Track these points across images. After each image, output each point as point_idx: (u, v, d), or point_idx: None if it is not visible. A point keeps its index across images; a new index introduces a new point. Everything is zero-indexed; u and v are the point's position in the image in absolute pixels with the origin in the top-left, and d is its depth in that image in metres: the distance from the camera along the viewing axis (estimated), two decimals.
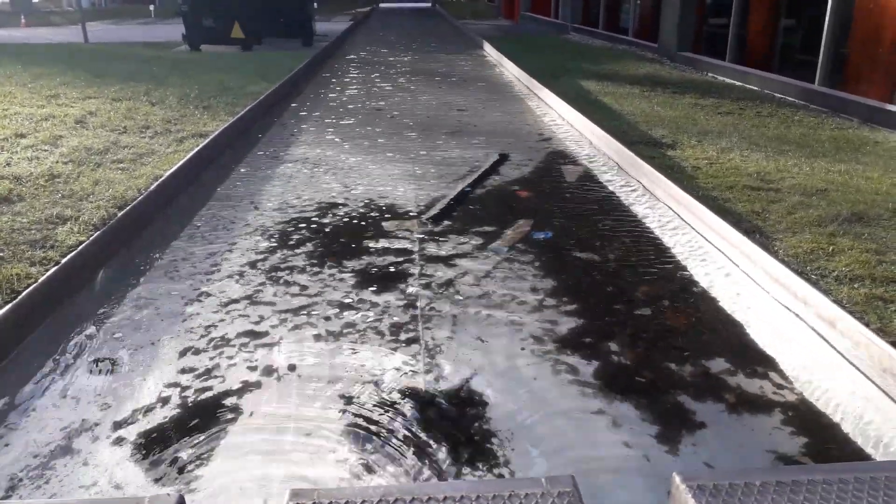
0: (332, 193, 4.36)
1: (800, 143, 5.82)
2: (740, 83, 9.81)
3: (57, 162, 4.48)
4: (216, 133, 5.32)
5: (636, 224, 3.84)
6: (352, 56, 12.57)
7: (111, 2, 29.94)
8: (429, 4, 35.71)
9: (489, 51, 12.42)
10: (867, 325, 2.29)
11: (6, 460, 1.94)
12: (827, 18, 7.75)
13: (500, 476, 1.86)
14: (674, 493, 1.59)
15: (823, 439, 2.02)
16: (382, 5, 35.34)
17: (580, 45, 14.45)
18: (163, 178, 4.08)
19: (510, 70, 10.19)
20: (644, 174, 4.42)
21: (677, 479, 1.59)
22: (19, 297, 2.52)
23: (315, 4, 14.69)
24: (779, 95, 8.78)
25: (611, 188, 4.51)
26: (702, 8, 11.40)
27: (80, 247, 3.02)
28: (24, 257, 2.89)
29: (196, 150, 4.79)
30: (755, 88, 9.40)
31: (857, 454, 1.95)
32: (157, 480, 1.87)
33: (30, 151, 4.73)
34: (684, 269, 3.22)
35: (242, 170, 4.93)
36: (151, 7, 23.07)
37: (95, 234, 3.16)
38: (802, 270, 2.77)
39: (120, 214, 3.42)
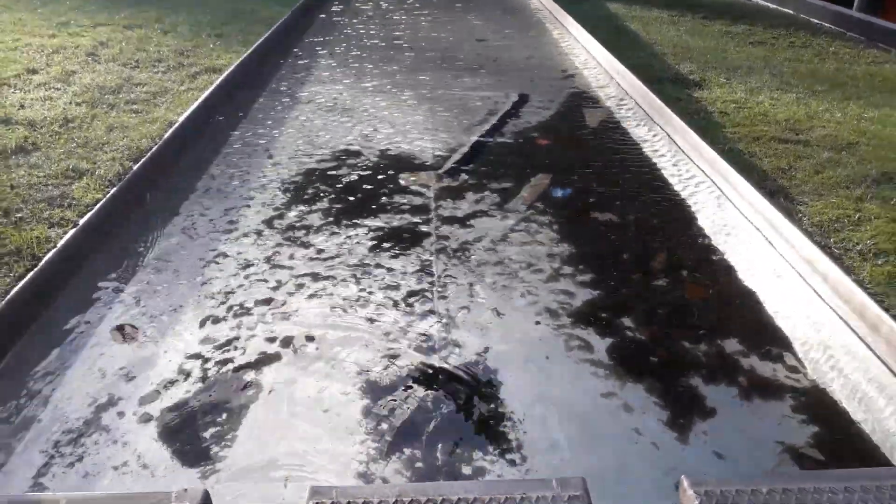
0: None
1: (833, 81, 5.59)
2: (775, 6, 9.33)
3: (70, 103, 4.42)
4: (226, 73, 5.20)
5: (659, 179, 3.76)
6: None
7: None
8: None
9: None
10: (887, 309, 2.26)
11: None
12: None
13: None
14: (682, 497, 1.62)
15: None
16: None
17: None
18: (176, 125, 4.02)
19: None
20: (669, 122, 4.29)
21: (685, 482, 1.62)
22: (36, 266, 2.55)
23: None
24: (815, 21, 8.36)
25: (635, 137, 4.39)
26: None
27: (97, 204, 3.03)
28: (43, 217, 2.91)
29: (208, 90, 4.70)
30: (790, 12, 8.95)
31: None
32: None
33: (42, 90, 4.66)
34: (705, 234, 3.17)
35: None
36: None
37: (112, 191, 3.15)
38: (826, 244, 2.72)
39: (134, 168, 3.40)
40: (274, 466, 1.92)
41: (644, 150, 4.16)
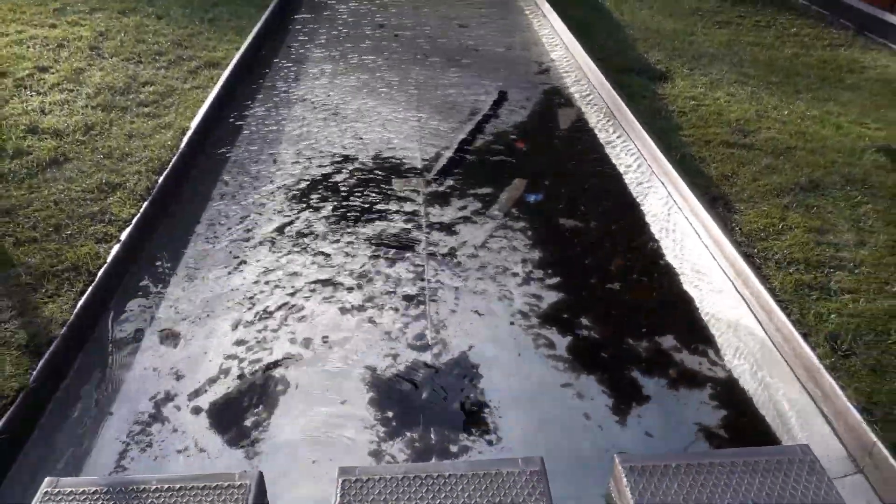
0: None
1: (788, 70, 6.06)
2: None
3: (86, 107, 4.81)
4: (226, 74, 5.57)
5: (619, 185, 4.28)
6: None
7: None
8: None
9: None
10: (789, 314, 2.84)
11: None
12: None
13: None
14: (614, 471, 2.20)
15: None
16: None
17: None
18: (189, 134, 4.45)
19: None
20: (631, 127, 4.77)
21: (617, 459, 2.20)
22: (94, 281, 3.05)
23: None
24: None
25: (601, 139, 4.88)
26: None
27: (133, 219, 3.50)
28: (89, 234, 3.38)
29: (212, 94, 5.10)
30: None
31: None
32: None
33: (57, 93, 5.03)
34: (655, 240, 3.72)
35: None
36: None
37: (143, 206, 3.62)
38: (749, 252, 3.28)
39: (159, 182, 3.86)
40: (306, 446, 2.49)
41: (608, 153, 4.67)
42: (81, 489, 2.11)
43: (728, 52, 6.55)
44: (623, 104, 5.01)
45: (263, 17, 7.00)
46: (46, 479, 2.13)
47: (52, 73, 5.39)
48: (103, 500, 2.07)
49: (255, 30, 6.65)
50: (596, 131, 5.00)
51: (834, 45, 6.96)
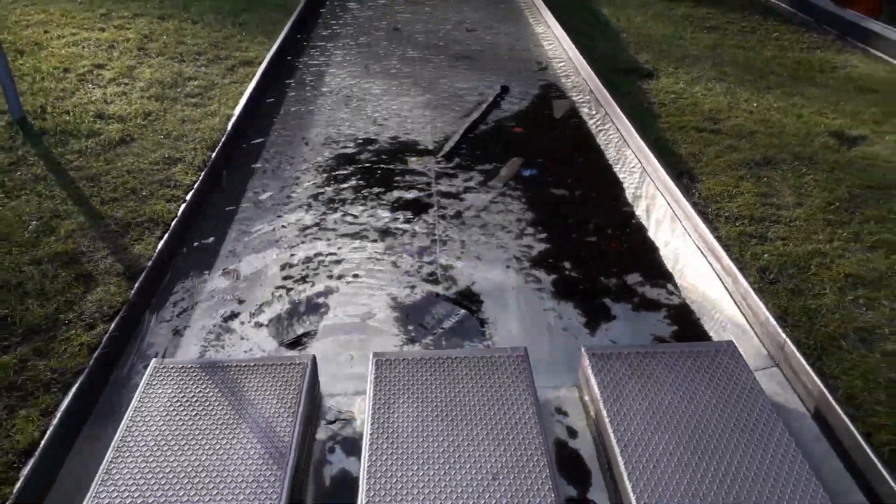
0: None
1: (764, 69, 6.74)
2: None
3: (142, 97, 5.56)
4: (260, 70, 6.32)
5: (602, 162, 4.99)
6: None
7: None
8: None
9: None
10: (730, 254, 3.53)
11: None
12: None
13: None
14: (582, 361, 2.89)
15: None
16: None
17: None
18: (233, 119, 5.19)
19: None
20: (616, 115, 5.48)
21: (583, 350, 2.88)
22: (169, 229, 3.77)
23: None
24: (773, 1, 9.42)
25: (589, 126, 5.59)
26: None
27: (194, 186, 4.23)
28: (160, 195, 4.11)
29: (249, 87, 5.84)
30: None
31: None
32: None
33: (114, 86, 5.79)
34: (629, 204, 4.42)
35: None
36: None
37: (201, 175, 4.35)
38: (704, 210, 3.97)
39: (213, 156, 4.59)
40: (346, 344, 3.19)
41: (595, 137, 5.37)
42: (180, 366, 2.82)
43: (712, 54, 7.24)
44: (610, 97, 5.71)
45: (290, 22, 7.75)
46: (153, 360, 2.84)
47: (108, 70, 6.15)
48: (197, 373, 2.78)
49: (283, 33, 7.40)
50: (585, 118, 5.70)
51: (811, 47, 7.65)
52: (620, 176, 4.78)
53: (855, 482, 2.46)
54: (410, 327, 3.32)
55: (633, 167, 4.85)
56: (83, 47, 6.73)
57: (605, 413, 2.58)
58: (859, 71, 6.81)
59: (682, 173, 4.48)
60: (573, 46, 7.07)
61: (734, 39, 7.87)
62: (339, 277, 3.68)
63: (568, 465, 2.64)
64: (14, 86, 4.89)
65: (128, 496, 2.27)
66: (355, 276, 3.69)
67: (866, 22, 7.66)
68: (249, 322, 3.37)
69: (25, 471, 2.37)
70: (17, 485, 2.32)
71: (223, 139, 4.85)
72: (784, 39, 7.91)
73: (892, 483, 2.30)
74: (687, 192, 4.18)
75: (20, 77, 5.72)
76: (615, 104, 5.52)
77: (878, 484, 2.36)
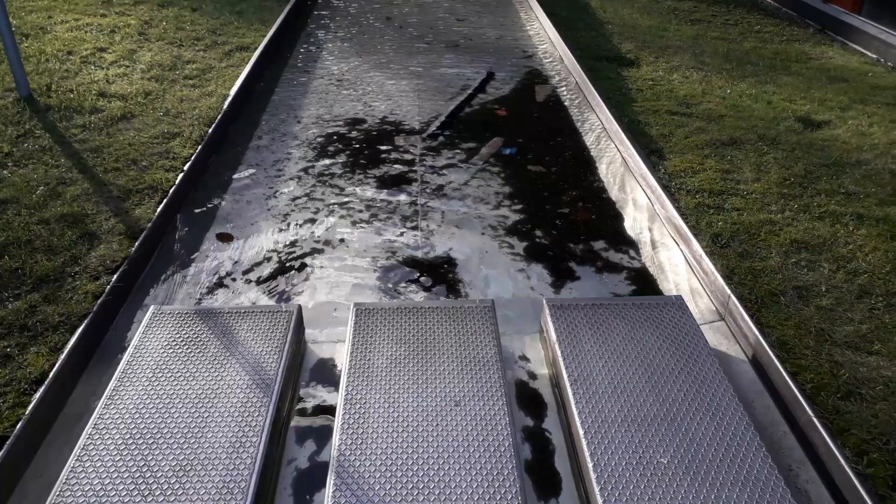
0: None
1: (742, 59, 7.02)
2: None
3: (142, 79, 5.82)
4: (255, 55, 6.58)
5: (578, 142, 5.26)
6: None
7: None
8: None
9: None
10: (687, 222, 3.81)
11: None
12: None
13: None
14: (543, 311, 3.17)
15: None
16: None
17: None
18: (229, 99, 5.45)
19: None
20: (593, 98, 5.76)
21: (545, 301, 3.16)
22: (167, 195, 4.05)
23: None
24: None
25: (569, 110, 5.87)
26: None
27: (192, 157, 4.50)
28: (159, 165, 4.38)
29: (245, 70, 6.10)
30: None
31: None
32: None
33: (116, 68, 6.05)
34: (600, 179, 4.70)
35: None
36: None
37: (198, 148, 4.62)
38: (667, 184, 4.25)
39: (209, 132, 4.86)
40: (330, 298, 3.47)
41: (573, 119, 5.65)
42: (177, 312, 3.09)
43: (693, 45, 7.51)
44: (589, 83, 5.99)
45: (285, 11, 8.01)
46: (152, 306, 3.12)
47: (110, 53, 6.41)
48: (193, 318, 3.06)
49: (278, 21, 7.66)
50: (565, 103, 5.98)
51: (791, 40, 7.93)
52: (594, 154, 5.06)
53: (781, 414, 2.75)
54: (390, 285, 3.60)
55: (607, 146, 5.13)
56: (86, 32, 6.98)
57: (559, 354, 2.86)
58: (834, 62, 7.09)
59: (651, 152, 4.76)
60: (558, 36, 7.35)
61: (717, 31, 8.14)
62: (326, 242, 3.95)
63: (527, 400, 2.92)
64: (21, 65, 5.16)
65: (129, 418, 2.54)
66: (340, 240, 3.97)
67: (846, 16, 7.93)
68: (242, 279, 3.64)
69: (37, 395, 2.64)
70: (30, 407, 2.59)
71: (219, 116, 5.12)
72: (765, 32, 8.20)
73: (810, 413, 2.59)
74: (654, 168, 4.46)
75: (26, 59, 5.97)
76: (594, 89, 5.80)
77: (800, 414, 2.65)
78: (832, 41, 7.80)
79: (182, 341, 2.92)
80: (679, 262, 3.74)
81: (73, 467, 2.35)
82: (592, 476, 2.33)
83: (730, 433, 2.49)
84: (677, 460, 2.40)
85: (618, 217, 4.25)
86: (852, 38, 7.70)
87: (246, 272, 3.69)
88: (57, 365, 2.78)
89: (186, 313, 3.08)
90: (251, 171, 4.71)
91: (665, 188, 4.18)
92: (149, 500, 2.25)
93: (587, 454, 2.41)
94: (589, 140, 5.29)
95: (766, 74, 6.56)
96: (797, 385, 2.71)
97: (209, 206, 4.27)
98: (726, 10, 9.07)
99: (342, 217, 4.19)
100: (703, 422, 2.54)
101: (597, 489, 2.29)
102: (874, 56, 7.27)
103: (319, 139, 5.21)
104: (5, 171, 4.20)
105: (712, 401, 2.64)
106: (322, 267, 3.74)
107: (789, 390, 2.72)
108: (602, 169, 4.84)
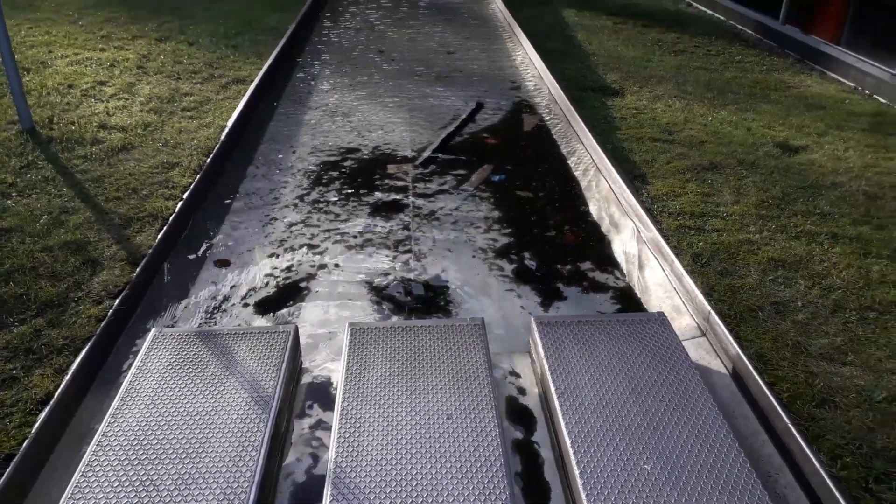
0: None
1: (723, 88, 7.25)
2: (710, 12, 10.96)
3: (142, 111, 5.99)
4: (251, 87, 6.77)
5: (565, 169, 5.44)
6: None
7: None
8: None
9: None
10: (669, 243, 3.96)
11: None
12: None
13: None
14: (532, 329, 3.29)
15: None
16: None
17: None
18: (227, 130, 5.62)
19: (499, 5, 11.33)
20: (579, 126, 5.95)
21: (533, 319, 3.29)
22: (167, 223, 4.17)
23: None
24: (740, 28, 10.02)
25: (555, 136, 6.06)
26: None
27: (191, 186, 4.64)
28: (159, 194, 4.51)
29: (242, 102, 6.28)
30: (722, 18, 10.59)
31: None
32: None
33: (116, 100, 6.22)
34: (586, 203, 4.87)
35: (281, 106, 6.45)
36: None
37: (197, 177, 4.76)
38: (650, 207, 4.41)
39: (208, 161, 5.01)
40: (325, 320, 3.58)
41: (559, 147, 5.84)
42: (178, 333, 3.20)
43: (676, 75, 7.76)
44: (575, 112, 6.19)
45: (280, 45, 8.24)
46: (153, 328, 3.23)
47: (110, 86, 6.59)
48: (193, 339, 3.16)
49: (273, 54, 7.88)
50: (552, 131, 6.18)
51: (770, 69, 8.20)
52: (580, 179, 5.23)
53: (760, 424, 2.87)
54: (384, 306, 3.72)
55: (592, 172, 5.30)
56: (86, 66, 7.17)
57: (547, 368, 2.98)
58: (812, 90, 7.33)
59: (635, 177, 4.93)
60: (545, 67, 7.58)
61: (699, 62, 8.41)
62: (321, 266, 4.08)
63: (517, 414, 3.03)
64: (24, 98, 5.32)
65: (132, 435, 2.64)
66: (336, 265, 4.09)
67: (825, 47, 8.21)
68: (240, 303, 3.76)
69: (42, 415, 2.74)
70: (35, 426, 2.68)
71: (216, 147, 5.27)
72: (746, 62, 8.47)
73: (786, 420, 2.71)
74: (637, 192, 4.63)
75: (28, 92, 6.13)
76: (579, 118, 5.99)
77: (777, 421, 2.77)
78: (811, 70, 8.07)
79: (183, 361, 3.02)
80: (662, 283, 3.88)
81: (77, 483, 2.44)
82: (579, 482, 2.44)
83: (710, 441, 2.61)
84: (660, 467, 2.51)
85: (603, 239, 4.40)
86: (830, 68, 7.96)
87: (244, 296, 3.81)
88: (61, 386, 2.87)
89: (187, 335, 3.19)
90: (248, 198, 4.85)
91: (648, 211, 4.34)
92: None
93: (574, 462, 2.52)
94: (574, 166, 5.47)
95: (746, 102, 6.78)
96: (774, 394, 2.83)
97: (208, 232, 4.40)
98: (708, 41, 9.36)
99: (336, 242, 4.33)
100: (684, 430, 2.66)
101: (583, 494, 2.39)
102: (851, 84, 7.52)
103: (314, 168, 5.37)
104: (9, 201, 4.33)
105: (693, 410, 2.75)
106: (317, 290, 3.86)
107: (767, 400, 2.84)
108: (587, 194, 5.01)
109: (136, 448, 2.58)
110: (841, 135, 5.80)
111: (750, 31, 9.81)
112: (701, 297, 3.47)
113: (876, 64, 7.30)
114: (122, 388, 2.86)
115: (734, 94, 7.06)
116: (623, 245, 4.30)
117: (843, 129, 5.97)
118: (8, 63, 5.10)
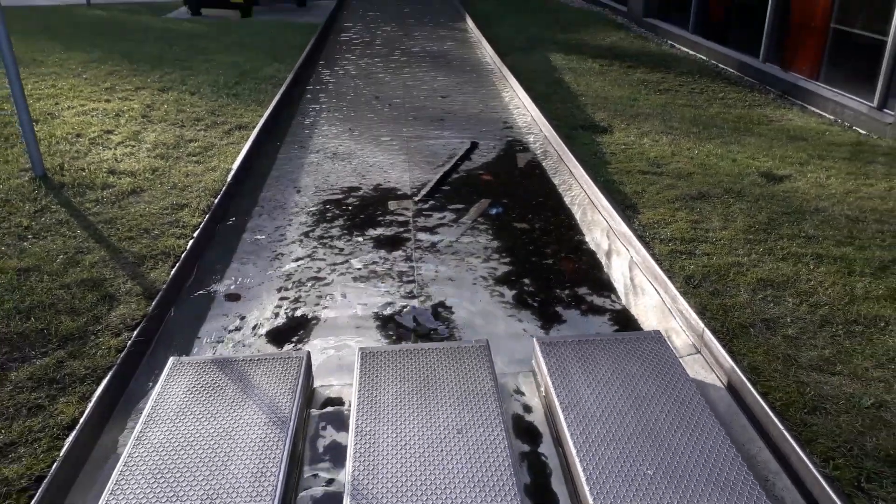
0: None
1: (708, 124, 7.55)
2: (693, 53, 11.38)
3: (149, 157, 6.20)
4: (254, 133, 7.02)
5: (559, 201, 5.65)
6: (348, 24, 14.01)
7: None
8: None
9: (471, 25, 13.89)
10: (661, 266, 4.14)
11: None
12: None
13: None
14: (534, 349, 3.44)
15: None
16: None
17: (560, 5, 16.02)
18: (232, 172, 5.83)
19: (489, 50, 11.75)
20: (570, 162, 6.19)
21: (535, 339, 3.44)
22: (180, 260, 4.34)
23: None
24: (722, 67, 10.41)
25: (548, 172, 6.30)
26: None
27: (200, 226, 4.82)
28: (170, 233, 4.68)
29: (245, 146, 6.52)
30: (704, 58, 11.00)
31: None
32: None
33: (123, 147, 6.44)
34: (581, 233, 5.06)
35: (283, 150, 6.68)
36: None
37: (206, 217, 4.95)
38: (642, 235, 4.61)
39: (216, 202, 5.20)
40: (335, 346, 3.72)
41: (552, 181, 6.07)
42: (195, 361, 3.33)
43: (662, 112, 8.07)
44: (567, 148, 6.45)
45: (280, 92, 8.54)
46: (172, 357, 3.36)
47: (116, 135, 6.82)
48: (209, 367, 3.30)
49: (273, 102, 8.16)
50: (545, 167, 6.42)
51: (753, 105, 8.53)
52: (573, 211, 5.44)
53: (756, 431, 3.00)
54: (391, 332, 3.87)
55: (584, 203, 5.52)
56: (92, 116, 7.42)
57: (551, 384, 3.12)
58: (793, 123, 7.64)
59: (626, 207, 5.14)
60: (536, 108, 7.88)
61: (684, 99, 8.74)
62: (329, 297, 4.23)
63: (523, 429, 3.15)
64: (37, 146, 5.52)
65: (157, 456, 2.75)
66: (343, 295, 4.25)
67: (804, 82, 8.57)
68: (251, 332, 3.90)
69: (69, 439, 2.85)
70: (63, 450, 2.79)
71: (223, 188, 5.47)
72: (729, 98, 8.81)
73: (781, 426, 2.85)
74: (629, 221, 4.83)
75: (37, 142, 6.35)
76: (570, 154, 6.24)
77: (771, 427, 2.91)
78: (791, 105, 8.41)
79: (201, 387, 3.15)
80: (657, 304, 4.04)
81: (107, 501, 2.55)
82: (586, 487, 2.56)
83: (709, 447, 2.74)
84: (662, 472, 2.63)
85: (598, 265, 4.59)
86: (810, 102, 8.30)
87: (254, 327, 3.95)
88: (86, 411, 2.99)
89: (204, 362, 3.33)
90: (256, 236, 5.03)
91: (640, 238, 4.54)
92: None
93: (580, 469, 2.64)
94: (568, 199, 5.69)
95: (731, 136, 7.07)
96: (768, 403, 2.97)
97: (218, 267, 4.56)
98: (692, 79, 9.73)
99: (342, 274, 4.49)
100: (683, 438, 2.79)
101: (590, 498, 2.51)
102: (831, 117, 7.84)
103: (318, 206, 5.57)
104: (26, 243, 4.49)
105: (691, 420, 2.89)
106: (326, 319, 4.01)
107: (761, 408, 2.98)
108: (581, 225, 5.21)
109: (161, 467, 2.69)
110: (822, 164, 6.06)
111: (732, 70, 10.20)
112: (695, 316, 3.64)
113: (853, 97, 7.63)
114: (145, 412, 2.98)
115: (719, 128, 7.35)
116: (618, 270, 4.48)
117: (824, 158, 6.23)
118: (21, 112, 5.32)
